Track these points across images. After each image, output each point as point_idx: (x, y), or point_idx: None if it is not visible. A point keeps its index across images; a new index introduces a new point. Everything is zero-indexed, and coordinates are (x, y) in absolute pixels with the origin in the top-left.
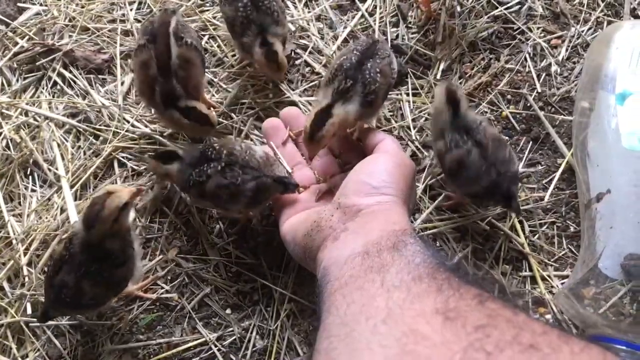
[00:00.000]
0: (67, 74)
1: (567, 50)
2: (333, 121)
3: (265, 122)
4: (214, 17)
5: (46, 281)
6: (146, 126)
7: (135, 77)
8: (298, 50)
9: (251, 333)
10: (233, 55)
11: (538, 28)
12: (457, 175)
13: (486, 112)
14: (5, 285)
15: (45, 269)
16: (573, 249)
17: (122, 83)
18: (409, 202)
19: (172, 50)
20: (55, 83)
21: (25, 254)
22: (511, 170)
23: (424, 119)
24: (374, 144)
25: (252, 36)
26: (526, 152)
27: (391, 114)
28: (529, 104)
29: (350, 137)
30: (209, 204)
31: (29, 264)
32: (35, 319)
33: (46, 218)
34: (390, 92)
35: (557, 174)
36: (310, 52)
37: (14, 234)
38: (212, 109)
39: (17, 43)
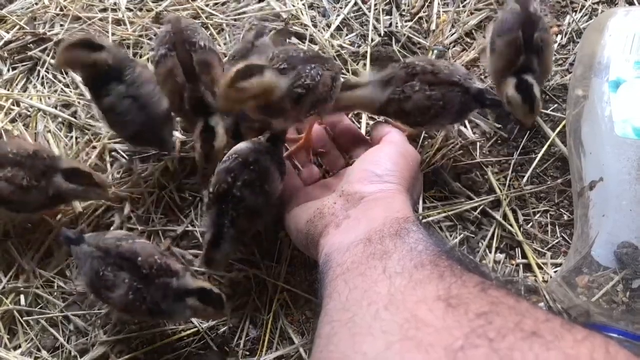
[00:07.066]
0: None
1: (562, 38)
2: (261, 79)
3: None
4: (207, 5)
5: None
6: None
7: (162, 88)
8: (293, 39)
9: (244, 322)
10: (225, 44)
11: None
12: None
13: None
14: (1, 277)
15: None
16: (566, 237)
17: None
18: (412, 191)
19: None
20: (47, 72)
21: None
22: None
23: None
24: (380, 136)
25: None
26: (521, 141)
27: None
28: None
29: (357, 131)
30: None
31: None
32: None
33: None
34: None
35: (539, 155)
36: (304, 40)
37: (11, 225)
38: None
39: (7, 32)
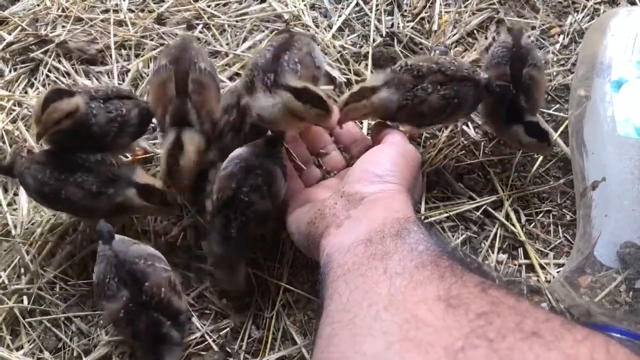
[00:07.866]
0: (60, 65)
1: (564, 38)
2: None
3: None
4: (208, 6)
5: None
6: None
7: (151, 95)
8: None
9: (247, 323)
10: (227, 44)
11: (535, 17)
12: None
13: None
14: (3, 276)
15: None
16: (569, 238)
17: (122, 75)
18: (413, 191)
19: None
20: (49, 73)
21: (24, 246)
22: None
23: None
24: (380, 136)
25: None
26: None
27: None
28: None
29: (358, 131)
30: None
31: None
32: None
33: (43, 210)
34: None
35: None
36: None
37: (13, 226)
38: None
39: (9, 33)
